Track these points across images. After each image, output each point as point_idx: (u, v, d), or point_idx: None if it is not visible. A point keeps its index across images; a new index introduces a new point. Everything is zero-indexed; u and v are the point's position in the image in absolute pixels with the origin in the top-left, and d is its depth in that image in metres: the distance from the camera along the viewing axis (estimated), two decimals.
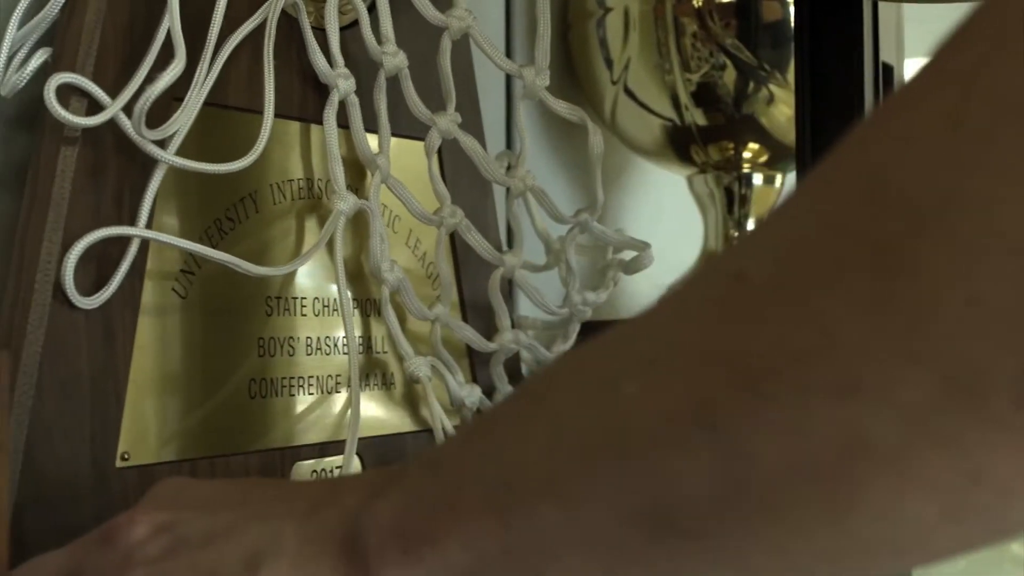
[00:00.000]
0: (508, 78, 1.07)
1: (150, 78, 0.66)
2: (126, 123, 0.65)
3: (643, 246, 0.89)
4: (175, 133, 0.68)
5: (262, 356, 0.75)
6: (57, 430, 0.64)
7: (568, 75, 1.20)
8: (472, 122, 0.90)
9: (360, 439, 0.80)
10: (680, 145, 1.18)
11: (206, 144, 0.72)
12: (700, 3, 1.11)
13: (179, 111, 0.68)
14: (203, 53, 0.69)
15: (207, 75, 0.69)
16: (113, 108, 0.64)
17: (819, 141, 0.71)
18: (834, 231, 0.34)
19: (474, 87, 0.92)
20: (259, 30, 0.74)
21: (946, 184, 0.32)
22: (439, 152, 0.87)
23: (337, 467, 0.79)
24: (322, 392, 0.79)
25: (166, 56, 0.67)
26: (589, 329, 0.95)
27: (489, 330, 0.88)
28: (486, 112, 0.93)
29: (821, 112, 0.72)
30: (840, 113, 0.71)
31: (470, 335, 0.85)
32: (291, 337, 0.77)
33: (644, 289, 1.23)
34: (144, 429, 0.68)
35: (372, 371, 0.83)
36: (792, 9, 0.80)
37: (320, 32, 0.78)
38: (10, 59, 0.67)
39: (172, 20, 0.65)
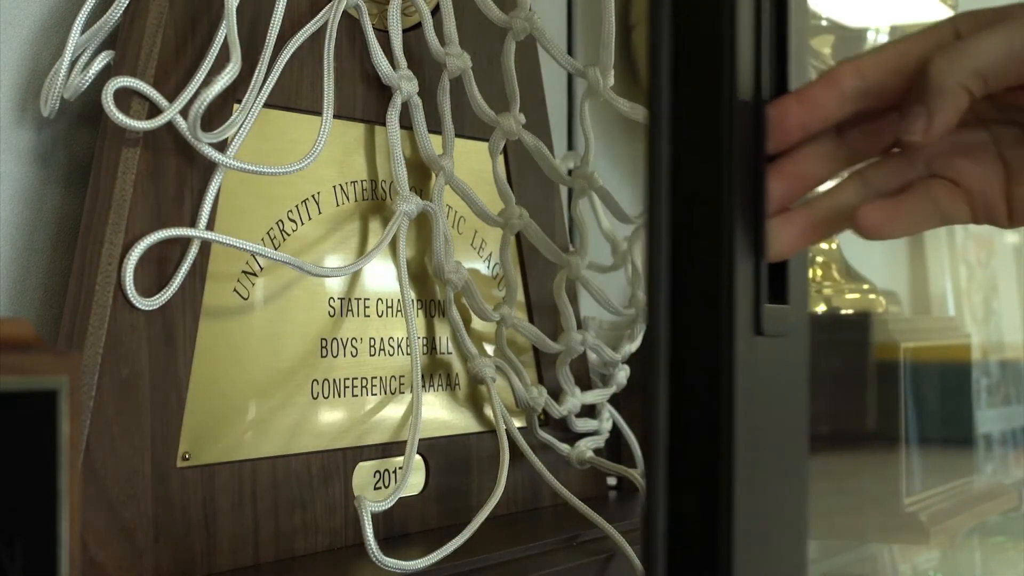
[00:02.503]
0: (569, 79, 1.07)
1: (208, 81, 0.66)
2: (183, 126, 0.66)
3: None
4: (236, 135, 0.69)
5: (325, 357, 0.76)
6: (117, 429, 0.64)
7: (629, 75, 1.20)
8: (539, 123, 0.90)
9: (423, 440, 0.80)
10: None
11: (272, 146, 0.73)
12: None
13: (236, 113, 0.68)
14: (261, 56, 0.70)
15: (265, 78, 0.69)
16: (170, 112, 0.65)
17: None
18: None
19: (541, 87, 0.91)
20: (322, 33, 0.74)
21: None
22: (504, 153, 0.87)
23: (399, 467, 0.79)
24: (385, 393, 0.79)
25: (227, 60, 0.68)
26: None
27: (555, 331, 0.87)
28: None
29: None
30: None
31: (535, 336, 0.85)
32: (354, 338, 0.78)
33: None
34: (205, 429, 0.69)
35: (436, 372, 0.83)
36: None
37: (383, 34, 0.78)
38: (73, 62, 0.68)
39: (229, 24, 0.66)
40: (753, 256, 0.52)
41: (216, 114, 0.68)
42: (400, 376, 0.80)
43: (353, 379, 0.77)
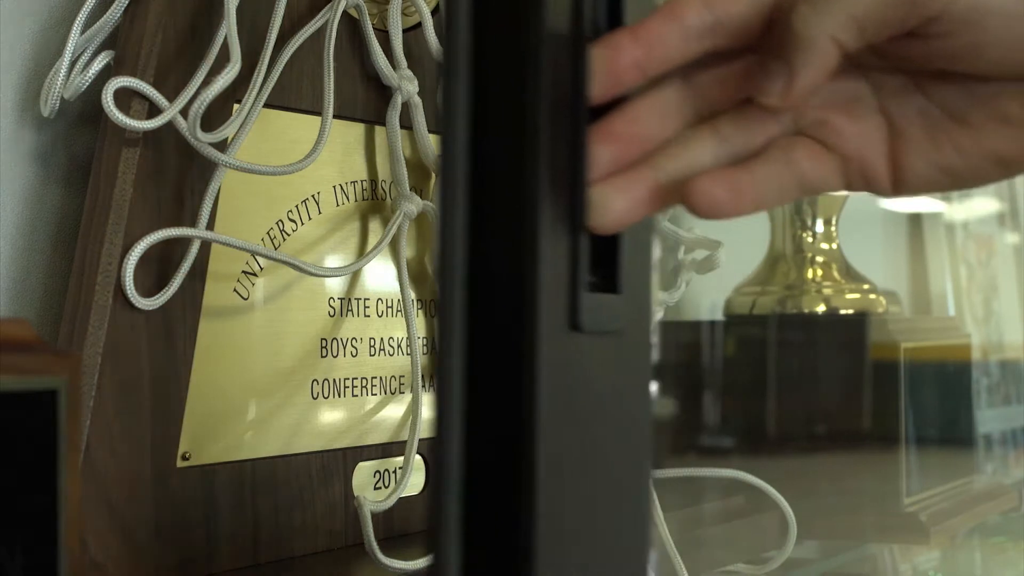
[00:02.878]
0: None
1: (208, 81, 0.66)
2: (183, 126, 0.66)
3: (715, 245, 0.88)
4: (237, 135, 0.69)
5: (325, 357, 0.76)
6: (117, 429, 0.64)
7: None
8: None
9: (423, 440, 0.80)
10: None
11: (272, 147, 0.73)
12: None
13: (236, 113, 0.68)
14: (261, 56, 0.70)
15: (265, 78, 0.69)
16: (170, 111, 0.65)
17: None
18: None
19: None
20: (322, 33, 0.74)
21: None
22: None
23: (399, 467, 0.79)
24: (385, 393, 0.79)
25: (227, 60, 0.68)
26: (662, 329, 0.94)
27: None
28: None
29: None
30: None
31: None
32: (354, 338, 0.78)
33: (713, 290, 1.22)
34: (205, 429, 0.69)
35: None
36: None
37: (383, 34, 0.78)
38: (73, 62, 0.68)
39: (229, 24, 0.66)
40: (568, 231, 0.41)
41: (216, 114, 0.68)
42: (400, 376, 0.80)
43: (353, 379, 0.77)
